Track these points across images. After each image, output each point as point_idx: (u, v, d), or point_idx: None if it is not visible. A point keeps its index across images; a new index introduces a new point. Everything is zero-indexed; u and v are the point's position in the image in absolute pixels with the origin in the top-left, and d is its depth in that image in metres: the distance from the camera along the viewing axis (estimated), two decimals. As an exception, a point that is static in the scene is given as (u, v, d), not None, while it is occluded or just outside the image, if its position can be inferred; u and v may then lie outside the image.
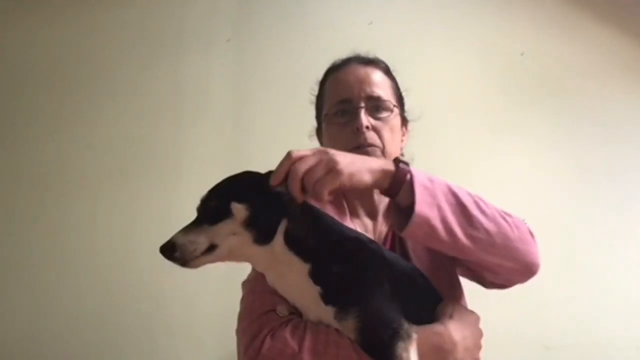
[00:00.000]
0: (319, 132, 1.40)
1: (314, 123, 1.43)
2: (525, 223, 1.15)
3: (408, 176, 1.03)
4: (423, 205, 1.00)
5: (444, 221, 1.02)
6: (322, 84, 1.38)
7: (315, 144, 1.42)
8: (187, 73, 2.17)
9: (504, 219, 1.09)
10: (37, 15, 2.08)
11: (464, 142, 2.26)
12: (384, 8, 2.36)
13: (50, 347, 1.89)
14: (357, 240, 1.10)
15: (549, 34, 2.47)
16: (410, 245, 1.26)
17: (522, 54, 2.43)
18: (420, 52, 2.19)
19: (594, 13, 2.51)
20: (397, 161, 1.06)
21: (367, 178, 1.01)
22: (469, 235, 1.03)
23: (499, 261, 1.09)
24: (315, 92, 1.40)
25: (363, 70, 1.30)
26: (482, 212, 1.06)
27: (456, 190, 1.07)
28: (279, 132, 2.18)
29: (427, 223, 1.00)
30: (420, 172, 1.06)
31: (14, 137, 2.00)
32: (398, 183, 1.03)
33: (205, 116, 2.15)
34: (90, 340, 1.91)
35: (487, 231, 1.05)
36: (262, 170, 1.14)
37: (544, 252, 2.36)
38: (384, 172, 1.03)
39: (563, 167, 2.40)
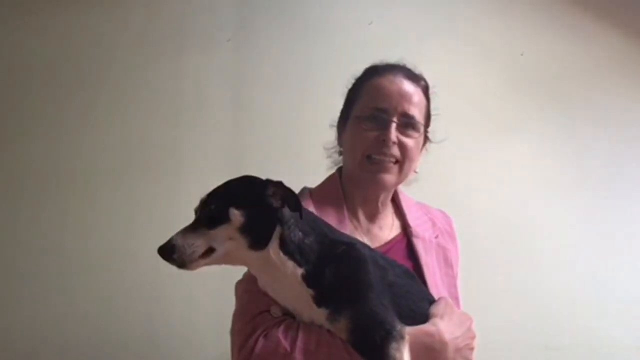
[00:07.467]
0: (340, 125, 1.40)
1: (319, 117, 1.44)
2: None
3: None
4: None
5: None
6: (360, 81, 1.37)
7: (332, 133, 1.42)
8: (187, 73, 2.16)
9: None
10: (37, 15, 2.08)
11: (463, 142, 2.26)
12: (384, 8, 2.36)
13: (50, 347, 1.89)
14: (350, 244, 1.11)
15: (549, 34, 2.47)
16: (420, 248, 1.29)
17: (522, 54, 2.43)
18: (420, 52, 2.18)
19: (594, 13, 2.50)
20: None
21: None
22: None
23: None
24: (349, 85, 1.40)
25: (406, 85, 1.30)
26: None
27: None
28: (278, 132, 2.18)
29: None
30: None
31: (12, 136, 2.00)
32: None
33: (205, 116, 2.15)
34: (90, 340, 1.91)
35: None
36: (262, 171, 1.14)
37: (545, 252, 2.37)
38: None
39: (563, 167, 2.40)
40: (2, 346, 1.87)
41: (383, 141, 1.25)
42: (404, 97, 1.28)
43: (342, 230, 1.20)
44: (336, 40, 2.28)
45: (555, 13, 2.48)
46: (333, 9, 2.33)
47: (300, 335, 1.03)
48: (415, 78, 1.33)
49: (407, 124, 1.28)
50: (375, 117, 1.28)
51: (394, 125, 1.26)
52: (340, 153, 1.40)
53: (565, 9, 2.49)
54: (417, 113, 1.29)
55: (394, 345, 0.97)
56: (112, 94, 2.09)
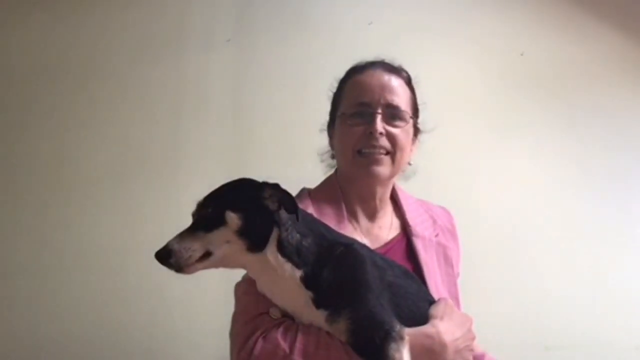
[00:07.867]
0: (330, 127, 1.41)
1: (318, 117, 1.44)
2: None
3: None
4: None
5: None
6: (343, 82, 1.38)
7: (324, 137, 1.42)
8: (187, 73, 2.16)
9: None
10: (37, 15, 2.08)
11: (463, 142, 2.26)
12: (384, 8, 2.36)
13: (51, 347, 1.89)
14: (348, 245, 1.11)
15: (549, 34, 2.47)
16: (420, 247, 1.29)
17: (522, 54, 2.43)
18: (420, 53, 2.19)
19: (594, 13, 2.50)
20: None
21: None
22: None
23: None
24: (334, 89, 1.41)
25: (387, 77, 1.31)
26: None
27: None
28: (278, 132, 2.18)
29: None
30: None
31: (13, 137, 2.00)
32: None
33: (205, 116, 2.15)
34: (90, 340, 1.91)
35: None
36: (261, 171, 1.14)
37: (545, 252, 2.37)
38: None
39: (563, 167, 2.40)
40: (2, 346, 1.87)
41: (370, 134, 1.26)
42: (386, 88, 1.29)
43: (342, 231, 1.20)
44: (336, 41, 2.28)
45: (555, 13, 2.48)
46: (333, 9, 2.33)
47: (299, 337, 1.03)
48: (395, 70, 1.34)
49: (393, 114, 1.29)
50: (360, 112, 1.29)
51: (379, 117, 1.27)
52: (333, 156, 1.40)
53: (565, 9, 2.49)
54: (401, 103, 1.30)
55: (393, 345, 0.97)
56: (112, 94, 2.10)
